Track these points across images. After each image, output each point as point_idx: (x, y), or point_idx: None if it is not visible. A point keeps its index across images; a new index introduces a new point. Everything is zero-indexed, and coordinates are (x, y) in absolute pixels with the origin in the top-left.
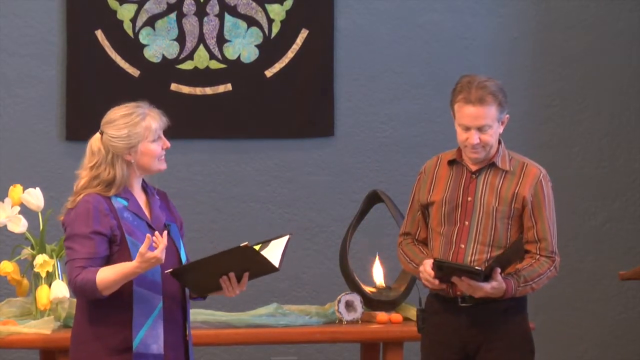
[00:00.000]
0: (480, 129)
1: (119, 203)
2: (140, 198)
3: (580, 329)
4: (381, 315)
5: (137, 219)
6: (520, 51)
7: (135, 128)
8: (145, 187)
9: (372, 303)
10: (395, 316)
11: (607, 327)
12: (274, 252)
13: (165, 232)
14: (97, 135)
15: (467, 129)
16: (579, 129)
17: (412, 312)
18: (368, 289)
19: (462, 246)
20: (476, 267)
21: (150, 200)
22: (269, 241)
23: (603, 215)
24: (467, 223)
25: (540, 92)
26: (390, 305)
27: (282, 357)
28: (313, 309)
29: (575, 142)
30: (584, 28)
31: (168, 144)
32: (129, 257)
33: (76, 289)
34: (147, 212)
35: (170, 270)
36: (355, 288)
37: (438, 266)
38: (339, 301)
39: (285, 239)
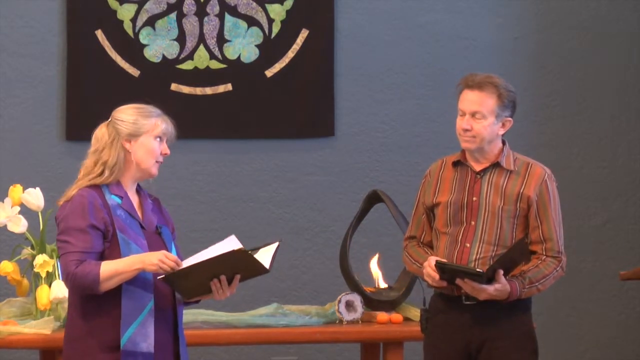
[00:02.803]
0: (473, 115)
1: (112, 200)
2: (134, 199)
3: (580, 329)
4: (381, 315)
5: (129, 217)
6: (520, 51)
7: (144, 119)
8: (139, 191)
9: (372, 303)
10: (396, 316)
11: (607, 327)
12: (264, 256)
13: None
14: (104, 122)
15: (463, 114)
16: (579, 129)
17: (413, 312)
18: (368, 289)
19: (467, 245)
20: (478, 270)
21: (143, 202)
22: (258, 248)
23: (603, 215)
24: (473, 223)
25: (540, 92)
26: (391, 305)
27: (283, 357)
28: (313, 309)
29: (575, 142)
30: (584, 28)
31: (168, 151)
32: (118, 254)
33: (75, 281)
34: (139, 213)
35: (162, 276)
36: (356, 288)
37: (440, 268)
38: (339, 301)
39: (275, 245)
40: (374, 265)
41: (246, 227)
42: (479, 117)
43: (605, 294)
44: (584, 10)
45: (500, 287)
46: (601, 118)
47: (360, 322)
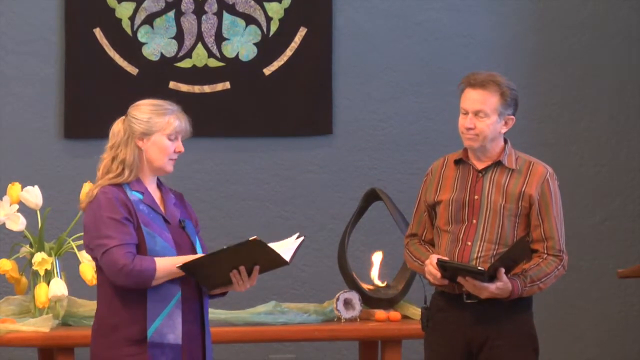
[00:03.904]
0: (476, 114)
1: (134, 196)
2: (155, 194)
3: (578, 328)
4: (379, 313)
5: (152, 212)
6: (519, 49)
7: (158, 117)
8: (160, 186)
9: (370, 301)
10: (394, 314)
11: (605, 326)
12: (285, 248)
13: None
14: (121, 118)
15: (466, 113)
16: (578, 128)
17: (411, 310)
18: (366, 287)
19: (469, 243)
20: (479, 268)
21: (165, 197)
22: (282, 242)
23: (602, 213)
24: (474, 221)
25: (539, 90)
26: (389, 303)
27: (281, 355)
28: (311, 307)
29: (574, 140)
30: (582, 26)
31: (182, 148)
32: (145, 248)
33: (132, 273)
34: (162, 208)
35: (180, 264)
36: (354, 286)
37: (442, 266)
38: (338, 299)
39: (299, 240)
40: (376, 260)
41: (245, 225)
42: (482, 116)
43: (603, 292)
44: (583, 9)
45: (501, 286)
46: (600, 116)
47: (358, 320)
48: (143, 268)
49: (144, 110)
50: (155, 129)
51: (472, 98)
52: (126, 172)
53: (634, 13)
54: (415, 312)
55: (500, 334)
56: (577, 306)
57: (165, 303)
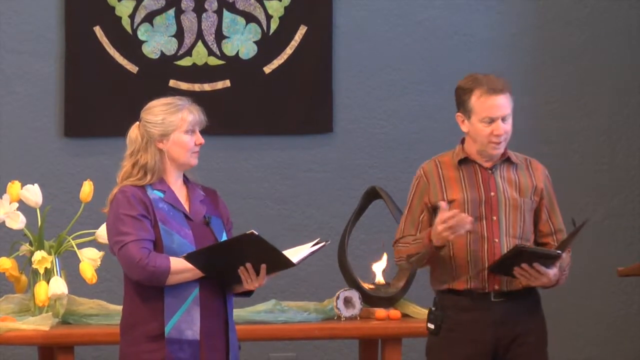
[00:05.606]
0: (503, 119)
1: (154, 194)
2: (181, 191)
3: (578, 326)
4: (380, 312)
5: (172, 209)
6: (519, 48)
7: (170, 116)
8: (186, 183)
9: (370, 299)
10: (394, 312)
11: (605, 324)
12: (297, 251)
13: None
14: (136, 123)
15: (491, 120)
16: (578, 126)
17: (411, 309)
18: (366, 285)
19: (496, 240)
20: (557, 252)
21: (191, 194)
22: (298, 247)
23: (602, 211)
24: (495, 218)
25: (539, 88)
26: (389, 301)
27: (281, 354)
28: (312, 306)
29: (574, 138)
30: (582, 24)
31: (202, 140)
32: (161, 245)
33: (147, 268)
34: (186, 205)
35: (185, 254)
36: (354, 284)
37: (519, 252)
38: (338, 297)
39: (319, 245)
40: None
41: (244, 224)
42: (507, 118)
43: (603, 290)
44: (583, 7)
45: (556, 272)
46: (600, 114)
47: (358, 318)
48: (157, 264)
49: (156, 113)
50: (171, 128)
51: (500, 104)
52: (148, 176)
53: (634, 12)
54: (416, 310)
55: (529, 331)
56: (577, 304)
57: (182, 299)
